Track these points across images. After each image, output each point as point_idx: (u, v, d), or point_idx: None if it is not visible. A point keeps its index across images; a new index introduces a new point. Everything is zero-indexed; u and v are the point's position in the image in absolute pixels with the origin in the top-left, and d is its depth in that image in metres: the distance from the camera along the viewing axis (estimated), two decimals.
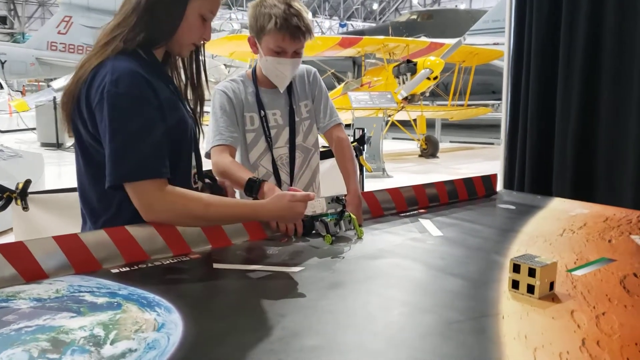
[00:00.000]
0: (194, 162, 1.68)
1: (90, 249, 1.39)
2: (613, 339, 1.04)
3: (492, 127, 15.75)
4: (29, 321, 1.08)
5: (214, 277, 1.39)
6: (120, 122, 1.43)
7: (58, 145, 13.89)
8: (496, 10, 20.61)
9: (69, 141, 14.13)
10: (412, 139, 12.06)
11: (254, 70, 2.10)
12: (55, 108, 13.90)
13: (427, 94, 11.22)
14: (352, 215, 1.71)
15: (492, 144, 14.39)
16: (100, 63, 1.48)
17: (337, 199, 1.69)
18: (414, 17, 25.13)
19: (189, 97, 1.71)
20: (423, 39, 14.40)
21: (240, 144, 2.05)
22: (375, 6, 49.21)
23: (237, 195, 1.97)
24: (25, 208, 2.35)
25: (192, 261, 1.48)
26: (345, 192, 1.91)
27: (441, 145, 12.60)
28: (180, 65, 1.70)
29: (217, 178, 1.85)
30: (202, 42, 1.65)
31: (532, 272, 1.24)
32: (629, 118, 3.04)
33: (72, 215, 2.53)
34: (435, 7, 39.22)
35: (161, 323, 1.08)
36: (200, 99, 1.72)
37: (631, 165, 3.03)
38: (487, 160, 11.77)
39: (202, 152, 1.82)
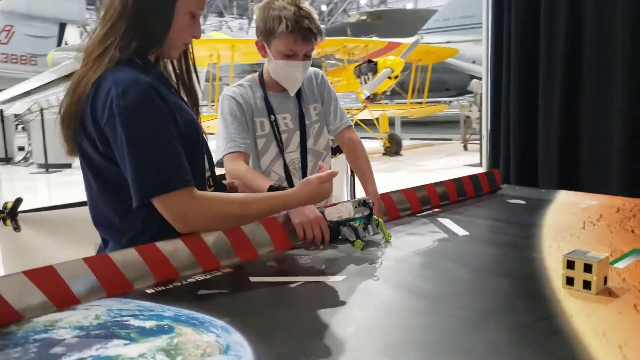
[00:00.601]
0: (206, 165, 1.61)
1: (121, 269, 1.31)
2: None
3: (448, 123, 16.03)
4: (81, 352, 0.99)
5: (256, 291, 1.33)
6: (136, 135, 1.35)
7: (7, 160, 13.42)
8: (446, 9, 20.99)
9: (19, 155, 13.67)
10: (376, 138, 12.13)
11: (261, 74, 2.04)
12: (2, 121, 13.42)
13: (389, 93, 11.28)
14: (379, 219, 1.66)
15: (451, 139, 14.63)
16: (100, 77, 1.39)
17: (364, 203, 1.64)
18: (364, 17, 25.34)
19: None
20: (375, 38, 14.49)
21: (251, 150, 1.98)
22: (323, 7, 49.44)
23: None
24: (16, 229, 2.22)
25: (226, 276, 1.41)
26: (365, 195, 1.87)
27: (403, 143, 12.72)
28: (170, 67, 1.62)
29: (225, 180, 1.78)
30: (191, 41, 1.57)
31: (588, 268, 1.22)
32: (613, 108, 3.09)
33: (64, 234, 2.42)
34: (383, 7, 39.60)
35: (225, 345, 1.02)
36: (195, 100, 1.63)
37: (616, 154, 3.09)
38: (449, 156, 11.94)
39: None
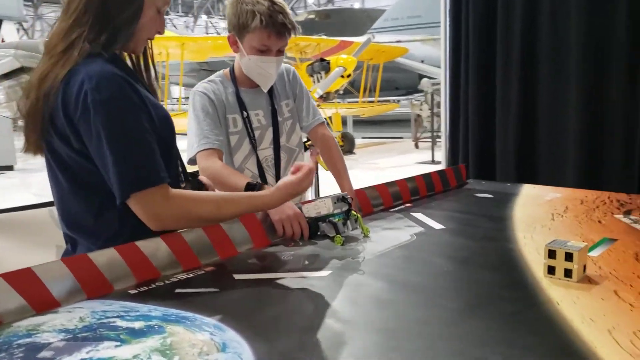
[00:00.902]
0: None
1: (101, 269, 1.26)
2: None
3: (399, 122, 16.23)
4: (71, 355, 0.95)
5: (243, 288, 1.30)
6: (114, 129, 1.31)
7: None
8: (394, 9, 21.25)
9: None
10: None
11: (232, 70, 2.01)
12: None
13: (341, 92, 11.33)
14: (357, 214, 1.67)
15: (402, 138, 14.83)
16: (70, 71, 1.34)
17: (343, 198, 1.64)
18: (312, 16, 25.37)
19: None
20: (324, 37, 14.55)
21: (224, 147, 1.95)
22: None
23: None
24: None
25: (208, 274, 1.39)
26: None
27: (356, 142, 12.82)
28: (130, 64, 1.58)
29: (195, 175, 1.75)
30: (155, 35, 1.54)
31: (569, 257, 1.26)
32: (568, 103, 3.20)
33: (19, 238, 2.32)
34: (330, 6, 39.79)
35: (222, 343, 1.00)
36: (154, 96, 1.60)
37: (571, 148, 3.20)
38: (400, 154, 12.10)
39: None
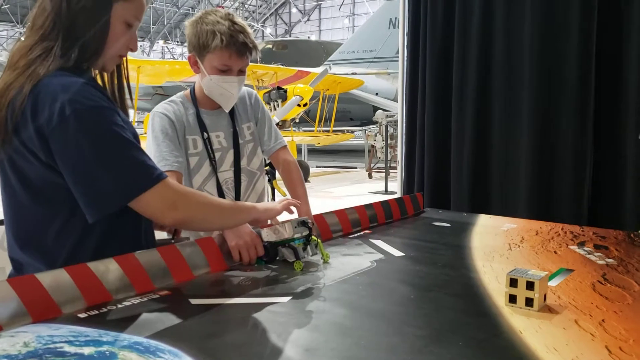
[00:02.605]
0: None
1: (49, 292, 1.19)
2: (630, 344, 1.07)
3: (353, 152, 16.38)
4: None
5: (200, 314, 1.25)
6: (101, 138, 1.28)
7: None
8: (350, 42, 21.64)
9: None
10: None
11: (193, 91, 1.97)
12: None
13: (297, 120, 11.38)
14: (318, 239, 1.64)
15: (356, 167, 14.94)
16: (39, 83, 1.28)
17: (303, 223, 1.60)
18: (269, 46, 25.46)
19: None
20: (280, 66, 14.65)
21: (183, 169, 1.89)
22: None
23: None
24: None
25: (164, 298, 1.33)
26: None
27: (310, 170, 12.82)
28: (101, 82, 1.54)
29: None
30: (128, 52, 1.50)
31: (530, 286, 1.26)
32: (520, 138, 3.28)
33: None
34: (287, 37, 40.23)
35: None
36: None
37: (523, 179, 3.27)
38: (354, 184, 12.16)
39: None
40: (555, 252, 1.80)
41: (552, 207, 3.14)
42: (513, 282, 1.28)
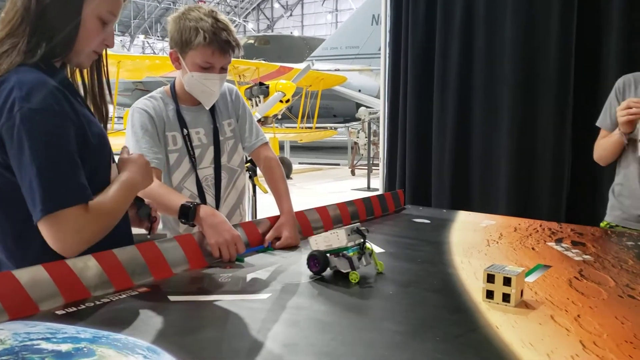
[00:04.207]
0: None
1: (26, 289, 1.18)
2: (604, 339, 1.09)
3: (336, 148, 16.40)
4: None
5: (178, 310, 1.25)
6: (40, 141, 1.24)
7: None
8: (333, 38, 21.64)
9: None
10: None
11: (173, 86, 1.96)
12: None
13: (280, 117, 11.36)
14: (371, 248, 1.51)
15: (339, 164, 14.96)
16: None
17: (357, 230, 1.46)
18: (251, 41, 25.37)
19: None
20: (262, 62, 14.62)
21: (163, 165, 1.88)
22: None
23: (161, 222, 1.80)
24: None
25: (142, 295, 1.32)
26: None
27: (293, 167, 12.82)
28: (80, 78, 1.51)
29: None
30: (104, 49, 1.48)
31: (507, 281, 1.28)
32: (500, 135, 3.32)
33: None
34: (269, 32, 40.11)
35: None
36: (104, 115, 1.53)
37: (503, 177, 3.31)
38: (337, 181, 12.18)
39: None
40: (533, 249, 1.82)
41: (531, 203, 3.18)
42: (490, 278, 1.30)
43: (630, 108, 2.11)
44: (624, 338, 1.10)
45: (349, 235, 1.44)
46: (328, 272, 1.47)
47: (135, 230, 1.59)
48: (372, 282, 1.44)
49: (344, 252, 1.44)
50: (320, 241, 1.47)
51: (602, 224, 2.37)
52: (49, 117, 1.26)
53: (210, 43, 1.77)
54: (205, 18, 1.78)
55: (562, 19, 3.04)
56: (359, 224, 1.50)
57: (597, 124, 2.41)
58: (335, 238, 1.44)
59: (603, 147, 2.34)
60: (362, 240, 1.47)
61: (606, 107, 2.38)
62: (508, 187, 3.29)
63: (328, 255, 1.46)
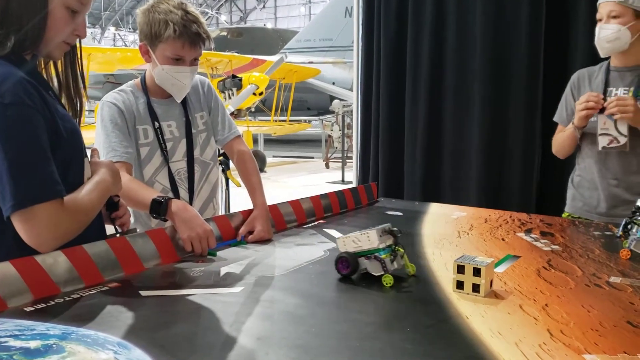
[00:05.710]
0: (88, 173, 1.47)
1: None
2: (571, 327, 1.12)
3: (310, 141, 16.40)
4: None
5: (150, 305, 1.24)
6: (11, 136, 1.22)
7: None
8: (307, 31, 21.57)
9: None
10: None
11: (143, 80, 1.93)
12: None
13: (253, 109, 11.32)
14: (403, 249, 1.44)
15: (313, 157, 14.96)
16: None
17: (389, 231, 1.41)
18: (224, 33, 25.17)
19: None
20: (235, 54, 14.53)
21: (133, 160, 1.86)
22: None
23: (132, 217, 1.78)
24: None
25: (113, 290, 1.31)
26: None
27: (267, 160, 12.79)
28: (54, 71, 1.49)
29: None
30: (76, 40, 1.46)
31: (477, 272, 1.30)
32: (471, 128, 3.35)
33: None
34: (242, 25, 39.83)
35: None
36: (77, 108, 1.51)
37: (474, 170, 3.34)
38: (311, 174, 12.19)
39: None
40: (503, 240, 1.85)
41: (501, 195, 3.22)
42: (460, 269, 1.31)
43: (589, 102, 2.15)
44: (590, 326, 1.12)
45: (380, 236, 1.37)
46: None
47: (109, 230, 1.57)
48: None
49: (376, 254, 1.38)
50: (348, 242, 1.40)
51: (563, 215, 2.41)
52: (20, 111, 1.24)
53: (180, 36, 1.75)
54: (174, 10, 1.76)
55: (531, 15, 3.07)
56: (389, 224, 1.43)
57: (554, 119, 2.45)
58: (366, 239, 1.38)
59: (559, 141, 2.39)
60: (392, 241, 1.41)
61: (562, 102, 2.42)
62: (479, 179, 3.32)
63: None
